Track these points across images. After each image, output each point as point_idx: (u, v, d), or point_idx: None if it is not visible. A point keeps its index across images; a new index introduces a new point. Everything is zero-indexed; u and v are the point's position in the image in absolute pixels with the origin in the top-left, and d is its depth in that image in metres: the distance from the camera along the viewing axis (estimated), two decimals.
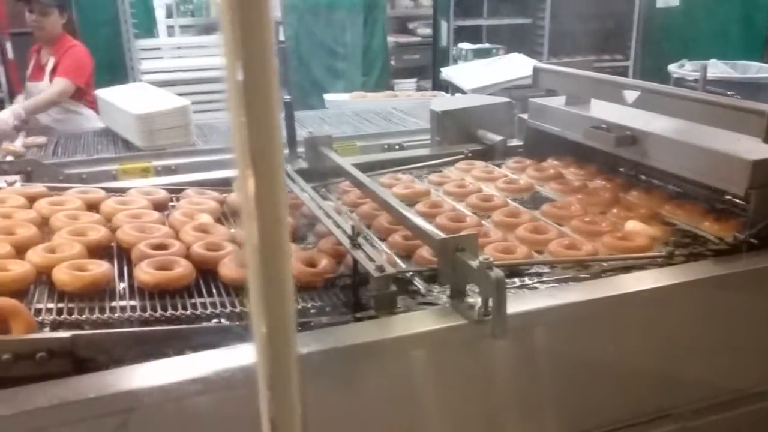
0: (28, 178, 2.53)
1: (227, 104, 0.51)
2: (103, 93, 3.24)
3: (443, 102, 2.67)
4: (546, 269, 1.53)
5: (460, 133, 2.35)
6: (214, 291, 1.41)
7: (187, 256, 1.47)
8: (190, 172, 2.63)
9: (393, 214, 1.55)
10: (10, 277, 1.31)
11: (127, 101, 2.96)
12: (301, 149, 2.13)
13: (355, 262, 1.39)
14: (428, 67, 6.91)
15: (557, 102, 2.22)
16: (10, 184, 1.84)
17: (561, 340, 1.35)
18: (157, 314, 1.30)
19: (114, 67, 5.12)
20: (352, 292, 1.41)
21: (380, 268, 1.28)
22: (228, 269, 1.42)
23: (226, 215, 1.85)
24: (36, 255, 1.41)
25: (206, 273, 1.45)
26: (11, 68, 5.03)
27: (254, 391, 1.12)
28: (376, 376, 1.22)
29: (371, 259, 1.32)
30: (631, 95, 1.94)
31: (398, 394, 1.24)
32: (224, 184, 2.03)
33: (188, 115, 2.84)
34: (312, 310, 1.36)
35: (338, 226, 1.51)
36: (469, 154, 2.28)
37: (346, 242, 1.41)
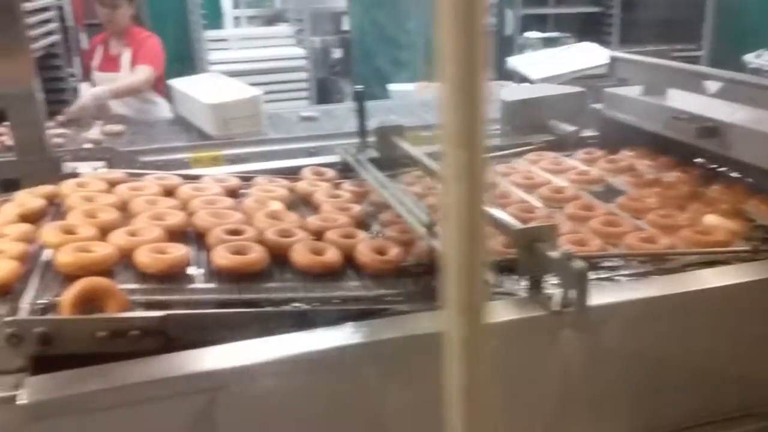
0: (107, 165, 2.63)
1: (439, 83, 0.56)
2: (176, 83, 3.32)
3: (513, 91, 2.64)
4: (621, 262, 1.51)
5: (530, 124, 2.33)
6: (286, 276, 1.43)
7: (260, 242, 1.50)
8: (259, 160, 2.69)
9: None
10: (95, 259, 1.35)
11: (201, 91, 3.03)
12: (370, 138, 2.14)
13: (431, 250, 1.40)
14: (491, 56, 6.84)
15: (633, 92, 2.18)
16: (96, 169, 1.91)
17: (641, 334, 1.32)
18: (233, 297, 1.32)
19: (183, 58, 5.24)
20: (427, 281, 1.42)
21: None
22: (300, 255, 1.44)
23: (295, 203, 1.88)
24: (119, 238, 1.46)
25: (278, 258, 1.48)
26: (86, 58, 5.20)
27: (337, 374, 1.16)
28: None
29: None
30: (710, 85, 1.89)
31: None
32: (292, 173, 2.06)
33: (260, 104, 2.89)
34: (387, 297, 1.37)
35: (413, 215, 1.51)
36: (542, 145, 2.26)
37: (422, 230, 1.42)
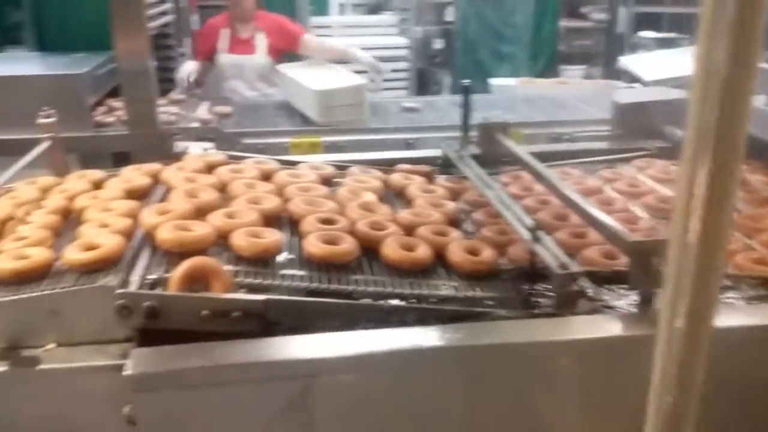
0: (215, 145, 2.70)
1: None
2: (284, 68, 3.38)
3: (628, 93, 2.54)
4: (730, 283, 1.42)
5: (643, 128, 2.22)
6: (374, 269, 1.42)
7: (352, 233, 1.50)
8: (357, 150, 2.70)
9: (576, 210, 1.49)
10: (193, 238, 1.38)
11: (307, 77, 3.07)
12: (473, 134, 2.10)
13: (533, 255, 1.36)
14: (598, 54, 6.62)
15: (759, 101, 2.04)
16: (207, 150, 1.97)
17: (755, 361, 1.24)
18: (323, 286, 1.32)
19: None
20: (524, 286, 1.38)
21: (563, 266, 1.23)
22: (390, 249, 1.43)
23: (388, 195, 1.86)
24: (217, 219, 1.49)
25: (367, 250, 1.47)
26: (199, 39, 5.37)
27: (432, 375, 1.14)
28: (552, 376, 1.19)
29: (553, 255, 1.28)
30: None
31: (572, 397, 1.21)
32: (389, 164, 2.04)
33: (364, 93, 2.90)
34: (486, 301, 1.34)
35: (516, 217, 1.47)
36: (653, 152, 2.15)
37: (526, 235, 1.38)
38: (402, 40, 5.42)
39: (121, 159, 2.90)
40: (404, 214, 1.64)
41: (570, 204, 1.52)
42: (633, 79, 3.81)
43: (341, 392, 1.14)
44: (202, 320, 1.18)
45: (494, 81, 4.23)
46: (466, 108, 2.10)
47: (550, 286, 1.34)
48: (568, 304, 1.24)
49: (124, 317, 1.16)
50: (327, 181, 1.87)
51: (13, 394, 1.19)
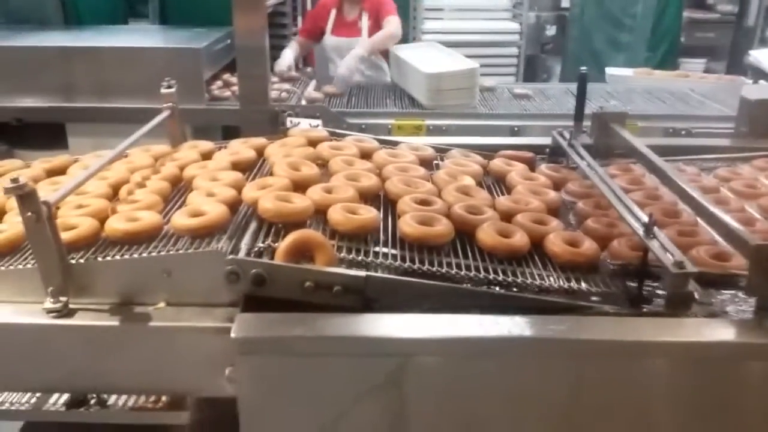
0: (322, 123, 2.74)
1: None
2: (396, 49, 3.38)
3: (759, 89, 2.38)
4: None
5: None
6: (469, 253, 1.39)
7: (447, 215, 1.48)
8: (462, 134, 2.67)
9: (694, 207, 1.41)
10: (292, 210, 1.40)
11: (419, 59, 3.05)
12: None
13: (645, 252, 1.30)
14: (722, 47, 6.25)
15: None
16: (314, 126, 2.00)
17: None
18: (415, 266, 1.31)
19: None
20: (629, 283, 1.32)
21: (679, 265, 1.17)
22: (487, 235, 1.40)
23: (487, 181, 1.83)
24: (315, 193, 1.51)
25: (462, 234, 1.45)
26: (311, 18, 5.45)
27: (533, 364, 1.12)
28: (657, 379, 1.13)
29: (669, 253, 1.21)
30: None
31: (679, 403, 1.15)
32: (493, 150, 1.99)
33: (476, 77, 2.86)
34: (589, 294, 1.29)
35: (629, 211, 1.41)
36: None
37: (639, 230, 1.32)
38: (514, 26, 5.30)
39: (231, 133, 3.00)
40: (503, 200, 1.61)
41: (687, 200, 1.44)
42: (761, 74, 3.57)
43: (435, 374, 1.14)
44: (305, 291, 1.20)
45: (610, 70, 4.07)
46: (581, 96, 2.02)
47: (660, 285, 1.28)
48: (680, 305, 1.18)
49: (232, 282, 1.20)
50: (426, 163, 1.86)
51: (122, 348, 1.26)
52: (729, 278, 1.34)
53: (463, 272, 1.31)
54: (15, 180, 1.18)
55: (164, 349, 1.25)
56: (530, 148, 2.01)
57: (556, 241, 1.40)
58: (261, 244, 1.30)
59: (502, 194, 1.72)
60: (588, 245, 1.40)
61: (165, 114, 1.94)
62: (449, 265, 1.33)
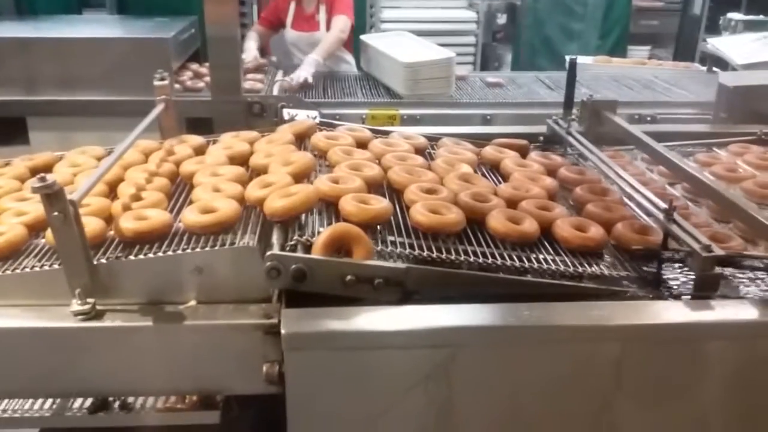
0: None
1: None
2: (368, 39, 3.37)
3: (735, 77, 2.48)
4: None
5: (752, 113, 2.17)
6: (481, 240, 1.40)
7: (455, 203, 1.49)
8: (438, 124, 2.68)
9: (705, 191, 1.47)
10: (295, 202, 1.37)
11: (393, 49, 3.05)
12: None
13: (665, 236, 1.34)
14: (666, 35, 6.46)
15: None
16: (312, 118, 1.98)
17: None
18: (434, 255, 1.30)
19: (356, 15, 5.29)
20: (649, 267, 1.36)
21: (707, 248, 1.22)
22: (497, 222, 1.42)
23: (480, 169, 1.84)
24: (323, 183, 1.49)
25: (470, 222, 1.45)
26: (269, 10, 5.37)
27: (579, 351, 1.14)
28: (702, 362, 1.18)
29: (692, 237, 1.26)
30: None
31: (720, 384, 1.20)
32: (483, 139, 2.01)
33: (452, 66, 2.88)
34: (621, 280, 1.32)
35: (645, 197, 1.45)
36: (763, 136, 2.10)
37: (659, 214, 1.36)
38: (471, 14, 5.35)
39: (197, 125, 2.94)
40: (504, 187, 1.63)
41: (693, 182, 1.50)
42: (715, 61, 3.71)
43: (481, 364, 1.16)
44: (346, 285, 1.20)
45: (570, 58, 4.15)
46: (571, 84, 2.07)
47: (680, 268, 1.33)
48: (708, 287, 1.23)
49: (272, 278, 1.19)
50: (419, 152, 1.86)
51: (155, 349, 1.23)
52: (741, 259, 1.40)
53: (480, 259, 1.31)
54: (43, 179, 1.13)
55: (199, 348, 1.22)
56: (523, 136, 2.04)
57: (564, 227, 1.43)
58: (296, 238, 1.28)
59: (498, 181, 1.74)
60: (595, 230, 1.44)
61: (160, 107, 1.89)
62: (465, 252, 1.33)
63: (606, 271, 1.33)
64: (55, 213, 1.15)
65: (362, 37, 3.54)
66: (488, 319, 1.15)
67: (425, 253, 1.31)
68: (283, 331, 1.12)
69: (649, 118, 2.86)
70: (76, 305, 1.20)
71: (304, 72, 3.39)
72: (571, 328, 1.15)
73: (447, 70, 2.86)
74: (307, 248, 1.26)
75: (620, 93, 3.07)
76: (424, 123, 2.89)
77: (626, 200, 1.58)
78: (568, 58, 4.14)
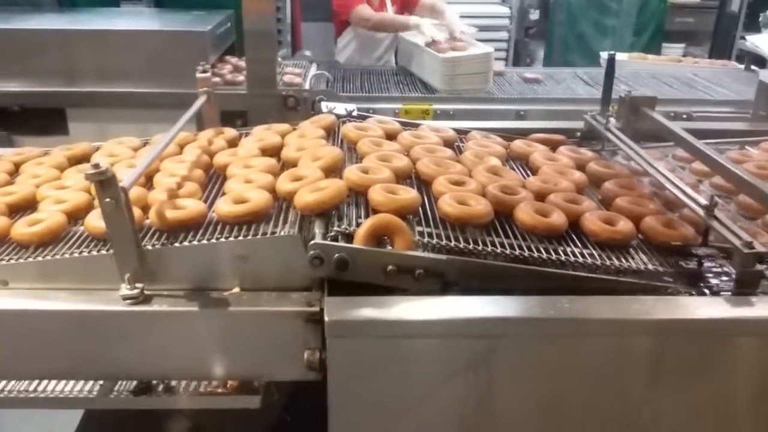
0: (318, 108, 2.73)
1: None
2: (405, 34, 3.37)
3: None
4: None
5: None
6: (509, 232, 1.40)
7: (482, 195, 1.50)
8: (472, 119, 2.68)
9: (748, 189, 1.46)
10: (327, 194, 1.38)
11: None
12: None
13: (706, 232, 1.34)
14: (702, 33, 6.37)
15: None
16: (350, 111, 1.99)
17: None
18: (461, 245, 1.31)
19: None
20: (687, 263, 1.36)
21: (748, 244, 1.21)
22: (525, 214, 1.42)
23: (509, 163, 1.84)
24: (352, 173, 1.50)
25: (497, 214, 1.46)
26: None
27: (621, 345, 1.15)
28: (742, 358, 1.18)
29: (733, 233, 1.26)
30: None
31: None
32: (519, 134, 2.00)
33: (490, 62, 2.88)
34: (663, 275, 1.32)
35: (685, 193, 1.45)
36: None
37: (699, 210, 1.36)
38: (504, 10, 5.33)
39: (232, 118, 2.98)
40: (533, 180, 1.63)
41: (736, 180, 1.49)
42: (753, 60, 3.65)
43: (522, 355, 1.17)
44: (387, 275, 1.21)
45: (605, 55, 4.11)
46: (609, 80, 2.06)
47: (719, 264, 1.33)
48: (750, 283, 1.22)
49: (315, 267, 1.21)
50: (448, 144, 1.87)
51: (200, 334, 1.26)
52: None
53: (507, 251, 1.30)
54: (96, 165, 1.17)
55: (242, 333, 1.26)
56: (558, 131, 2.04)
57: (593, 220, 1.43)
58: (338, 229, 1.31)
59: (527, 175, 1.74)
60: (623, 224, 1.43)
61: (203, 99, 1.92)
62: (492, 243, 1.34)
63: (649, 266, 1.32)
64: (107, 199, 1.18)
65: (401, 32, 3.55)
66: (529, 310, 1.16)
67: (452, 243, 1.31)
68: (326, 319, 1.14)
69: (684, 116, 2.83)
70: (125, 290, 1.24)
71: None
72: (613, 321, 1.15)
73: (485, 66, 2.86)
74: (349, 238, 1.29)
75: (659, 90, 3.04)
76: (457, 118, 2.90)
77: (665, 196, 1.58)
78: (603, 54, 4.16)
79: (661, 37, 5.78)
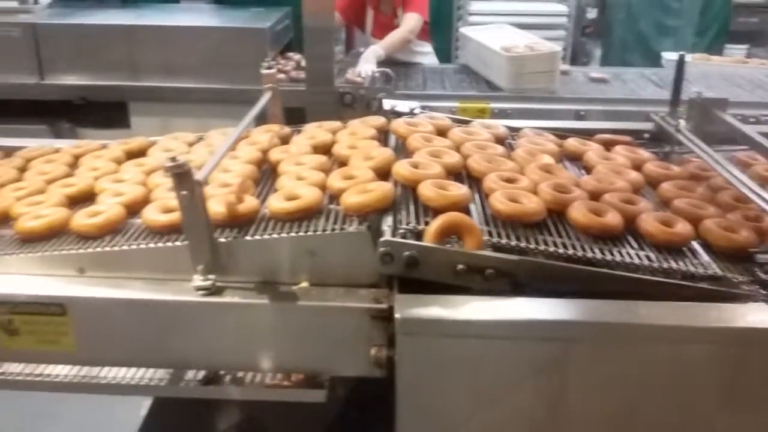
0: (379, 105, 2.73)
1: None
2: (469, 32, 3.35)
3: None
4: None
5: None
6: (562, 231, 1.38)
7: (534, 193, 1.47)
8: (533, 118, 2.64)
9: None
10: (373, 197, 1.38)
11: (496, 42, 3.02)
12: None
13: None
14: (764, 33, 6.18)
15: None
16: (413, 109, 1.99)
17: None
18: (513, 244, 1.29)
19: (441, 7, 5.26)
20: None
21: None
22: (579, 213, 1.39)
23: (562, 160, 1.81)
24: (404, 168, 1.50)
25: (550, 213, 1.43)
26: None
27: (697, 354, 1.12)
28: None
29: None
30: None
31: None
32: (584, 134, 1.95)
33: (557, 60, 2.84)
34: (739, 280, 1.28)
35: (761, 198, 1.40)
36: None
37: None
38: (562, 8, 5.24)
39: (288, 114, 3.00)
40: (588, 179, 1.60)
41: None
42: None
43: (596, 360, 1.15)
44: (456, 274, 1.21)
45: (667, 55, 4.02)
46: (679, 81, 2.01)
47: None
48: None
49: (385, 264, 1.21)
50: (499, 141, 1.84)
51: (269, 326, 1.27)
52: None
53: (560, 250, 1.28)
54: (174, 159, 1.19)
55: (310, 328, 1.26)
56: (624, 132, 2.00)
57: (650, 221, 1.39)
58: (406, 227, 1.30)
59: (581, 174, 1.70)
60: (682, 226, 1.39)
61: (268, 95, 1.94)
62: (544, 242, 1.31)
63: (727, 274, 1.29)
64: (184, 192, 1.20)
65: (462, 29, 3.54)
66: (604, 315, 1.14)
67: (503, 241, 1.29)
68: (397, 316, 1.14)
69: (752, 119, 2.75)
70: (198, 281, 1.26)
71: (369, 65, 3.38)
72: (691, 329, 1.12)
73: (552, 64, 2.82)
74: (417, 236, 1.28)
75: (729, 92, 2.96)
76: (514, 117, 2.87)
77: (733, 200, 1.53)
78: (665, 55, 4.07)
79: (724, 37, 5.62)
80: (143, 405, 2.13)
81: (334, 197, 1.45)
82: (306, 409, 1.42)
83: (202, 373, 1.38)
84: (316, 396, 1.34)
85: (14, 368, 1.39)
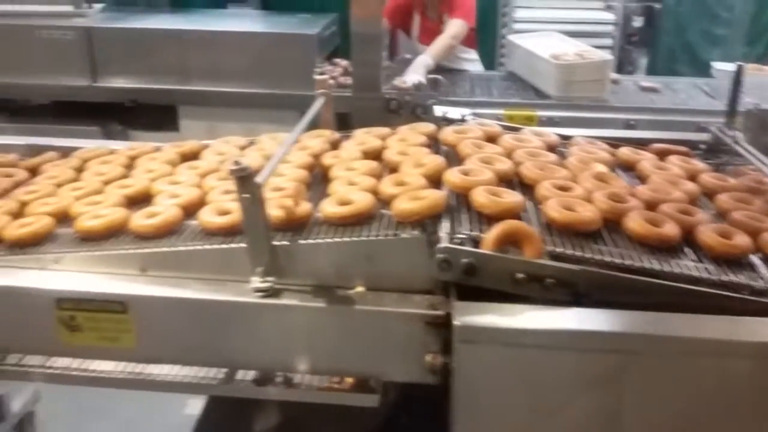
0: (425, 111, 2.73)
1: None
2: (517, 39, 3.34)
3: None
4: None
5: None
6: (618, 241, 1.35)
7: (589, 202, 1.45)
8: (581, 126, 2.62)
9: None
10: (426, 205, 1.37)
11: (546, 50, 3.01)
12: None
13: None
14: None
15: None
16: (465, 115, 1.99)
17: None
18: (570, 253, 1.27)
19: (486, 13, 5.25)
20: None
21: None
22: (636, 223, 1.36)
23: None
24: (454, 175, 1.49)
25: (604, 222, 1.40)
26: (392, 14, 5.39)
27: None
28: None
29: None
30: None
31: None
32: (637, 144, 1.92)
33: (607, 69, 2.81)
34: None
35: None
36: None
37: None
38: (609, 16, 5.19)
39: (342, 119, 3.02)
40: (643, 189, 1.57)
41: None
42: None
43: (657, 375, 1.13)
44: (515, 283, 1.20)
45: (717, 65, 3.96)
46: (736, 91, 1.97)
47: None
48: None
49: (443, 271, 1.21)
50: (551, 149, 1.82)
51: (326, 329, 1.28)
52: None
53: (617, 260, 1.26)
54: (237, 163, 1.21)
55: (366, 332, 1.27)
56: (679, 143, 1.97)
57: (708, 233, 1.36)
58: (464, 234, 1.30)
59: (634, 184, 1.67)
60: (740, 238, 1.36)
61: (321, 101, 1.95)
62: (600, 252, 1.29)
63: None
64: (246, 195, 1.22)
65: (510, 37, 3.53)
66: (667, 328, 1.12)
67: (559, 250, 1.27)
68: (455, 323, 1.14)
69: None
70: (257, 282, 1.27)
71: (417, 75, 3.37)
72: (758, 345, 1.10)
73: (602, 73, 2.79)
74: (475, 243, 1.28)
75: None
76: (561, 125, 2.85)
77: None
78: (715, 65, 4.00)
79: None
80: (189, 404, 2.16)
81: (385, 203, 1.46)
82: (353, 413, 1.42)
83: (252, 374, 1.40)
84: (369, 400, 1.34)
85: (60, 363, 1.40)
